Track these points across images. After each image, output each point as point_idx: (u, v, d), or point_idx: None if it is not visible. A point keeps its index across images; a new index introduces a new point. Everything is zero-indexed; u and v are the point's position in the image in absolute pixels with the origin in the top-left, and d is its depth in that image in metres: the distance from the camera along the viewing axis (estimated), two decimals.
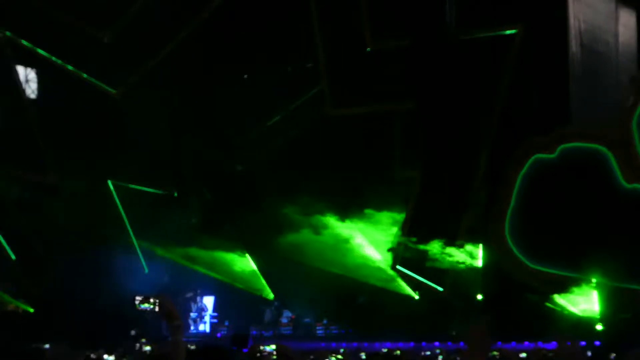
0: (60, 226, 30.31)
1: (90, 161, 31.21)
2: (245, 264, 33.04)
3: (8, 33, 30.11)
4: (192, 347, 20.92)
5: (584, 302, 26.19)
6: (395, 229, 29.67)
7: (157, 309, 9.38)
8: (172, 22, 30.81)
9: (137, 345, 27.46)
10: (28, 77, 32.07)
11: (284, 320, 32.54)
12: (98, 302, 29.29)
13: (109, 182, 32.01)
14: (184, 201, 33.28)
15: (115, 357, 22.39)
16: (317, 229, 30.91)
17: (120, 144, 31.33)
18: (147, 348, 26.19)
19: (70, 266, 29.42)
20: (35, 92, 32.17)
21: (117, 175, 31.98)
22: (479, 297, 28.03)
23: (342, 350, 26.29)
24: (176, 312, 9.25)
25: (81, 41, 30.48)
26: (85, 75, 30.89)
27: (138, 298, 9.95)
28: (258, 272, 32.85)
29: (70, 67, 30.87)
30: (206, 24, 30.74)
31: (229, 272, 33.13)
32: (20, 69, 31.59)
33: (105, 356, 22.31)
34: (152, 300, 9.78)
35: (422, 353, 24.42)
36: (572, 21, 28.09)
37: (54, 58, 30.73)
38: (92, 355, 20.01)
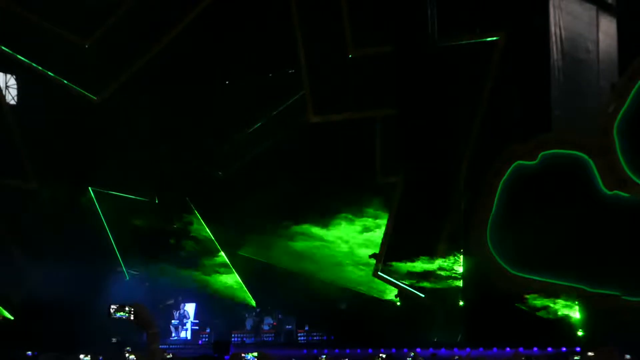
0: (40, 233, 30.13)
1: (71, 168, 31.05)
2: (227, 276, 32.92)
3: None
4: (169, 356, 20.86)
5: (565, 308, 26.21)
6: (376, 236, 29.62)
7: (132, 317, 9.23)
8: (153, 29, 30.72)
9: (126, 353, 27.27)
10: (8, 83, 31.92)
11: (266, 327, 32.37)
12: (78, 310, 29.09)
13: (90, 189, 31.84)
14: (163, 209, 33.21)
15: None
16: (298, 236, 30.86)
17: (101, 151, 31.17)
18: (132, 357, 26.02)
19: (50, 274, 29.21)
20: (15, 98, 32.01)
21: (97, 182, 31.81)
22: (460, 303, 28.02)
23: (324, 357, 26.22)
24: (152, 320, 9.19)
25: (62, 47, 30.35)
26: (65, 82, 30.73)
27: (113, 306, 9.77)
28: (240, 281, 32.73)
29: (50, 74, 30.68)
30: (189, 30, 30.65)
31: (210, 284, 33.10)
32: (0, 75, 31.42)
33: (82, 356, 22.21)
34: (127, 308, 9.61)
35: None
36: (553, 29, 28.15)
37: (34, 64, 30.53)
38: None
